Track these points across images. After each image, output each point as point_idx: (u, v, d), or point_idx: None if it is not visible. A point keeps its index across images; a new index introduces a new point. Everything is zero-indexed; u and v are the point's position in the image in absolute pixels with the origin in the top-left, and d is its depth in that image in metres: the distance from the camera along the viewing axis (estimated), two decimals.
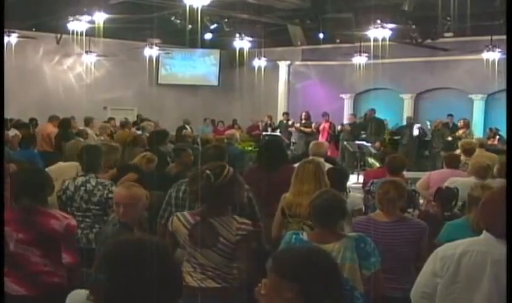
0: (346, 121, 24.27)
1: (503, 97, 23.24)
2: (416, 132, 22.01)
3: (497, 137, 20.58)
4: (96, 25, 18.84)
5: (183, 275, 5.52)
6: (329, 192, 5.78)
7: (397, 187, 6.36)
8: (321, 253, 3.41)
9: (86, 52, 25.71)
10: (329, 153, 20.67)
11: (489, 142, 19.89)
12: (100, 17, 18.38)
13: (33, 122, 21.18)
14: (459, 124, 22.07)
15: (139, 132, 16.57)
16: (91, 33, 20.40)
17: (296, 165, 8.18)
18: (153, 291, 2.82)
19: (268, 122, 26.24)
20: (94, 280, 2.88)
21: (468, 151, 11.31)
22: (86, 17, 18.78)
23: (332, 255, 3.82)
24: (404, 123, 24.19)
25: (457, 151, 12.35)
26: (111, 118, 23.11)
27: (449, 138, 21.12)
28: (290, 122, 25.09)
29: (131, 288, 2.79)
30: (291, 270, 3.06)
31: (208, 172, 5.50)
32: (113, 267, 2.84)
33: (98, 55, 26.44)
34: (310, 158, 8.32)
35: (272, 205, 7.15)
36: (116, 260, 2.87)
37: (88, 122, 17.96)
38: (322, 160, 8.57)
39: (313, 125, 24.19)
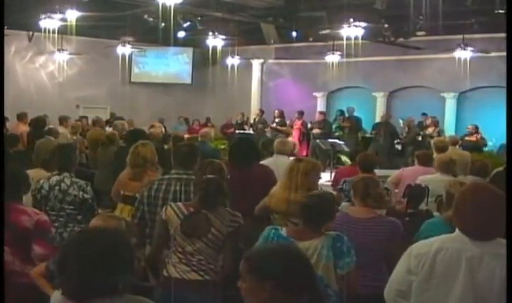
0: (317, 119, 24.26)
1: (474, 95, 23.60)
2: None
3: (478, 134, 20.74)
4: (68, 23, 18.74)
5: (167, 267, 5.65)
6: (320, 193, 5.82)
7: (375, 183, 6.46)
8: (293, 250, 3.43)
9: (59, 50, 25.58)
10: (301, 152, 20.90)
11: (471, 138, 20.10)
12: (72, 15, 18.26)
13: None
14: (427, 122, 22.21)
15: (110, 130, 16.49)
16: (63, 30, 20.29)
17: (264, 162, 8.24)
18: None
19: (245, 119, 26.27)
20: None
21: (441, 149, 11.36)
22: (58, 15, 18.66)
23: (303, 252, 3.85)
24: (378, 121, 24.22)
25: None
26: (83, 117, 22.99)
27: (419, 137, 21.26)
28: (264, 123, 25.09)
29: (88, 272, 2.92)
30: (263, 269, 3.09)
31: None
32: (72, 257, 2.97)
33: (70, 53, 26.31)
34: (300, 157, 8.39)
35: (244, 203, 7.16)
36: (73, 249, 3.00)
37: (62, 121, 17.84)
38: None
39: (288, 122, 24.27)
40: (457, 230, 4.07)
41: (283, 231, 5.45)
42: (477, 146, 19.41)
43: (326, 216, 5.44)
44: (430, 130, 21.44)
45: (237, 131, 24.48)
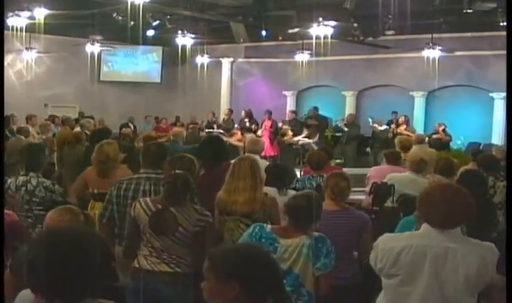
0: (287, 118, 24.30)
1: (443, 94, 23.78)
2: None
3: (443, 130, 20.89)
4: (36, 21, 18.55)
5: (139, 258, 5.63)
6: (308, 194, 5.83)
7: (345, 178, 6.61)
8: (259, 251, 3.42)
9: (27, 48, 25.37)
10: (271, 152, 20.87)
11: (437, 136, 20.24)
12: (40, 13, 18.10)
13: None
14: (399, 120, 22.30)
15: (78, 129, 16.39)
16: (31, 29, 20.09)
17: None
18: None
19: (213, 119, 26.20)
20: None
21: (405, 147, 11.44)
22: (26, 13, 18.49)
23: (270, 254, 3.86)
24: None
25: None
26: (52, 116, 22.83)
27: (390, 135, 21.35)
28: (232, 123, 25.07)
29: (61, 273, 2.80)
30: (231, 269, 3.05)
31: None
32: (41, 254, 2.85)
33: (39, 52, 26.13)
34: (245, 155, 8.35)
35: (212, 202, 7.15)
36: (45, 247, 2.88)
37: (28, 119, 17.68)
38: (257, 157, 8.59)
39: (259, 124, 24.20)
40: (423, 226, 4.13)
41: (268, 228, 5.49)
42: (444, 144, 19.58)
43: (312, 217, 5.46)
44: (402, 128, 21.56)
45: (206, 130, 24.35)
